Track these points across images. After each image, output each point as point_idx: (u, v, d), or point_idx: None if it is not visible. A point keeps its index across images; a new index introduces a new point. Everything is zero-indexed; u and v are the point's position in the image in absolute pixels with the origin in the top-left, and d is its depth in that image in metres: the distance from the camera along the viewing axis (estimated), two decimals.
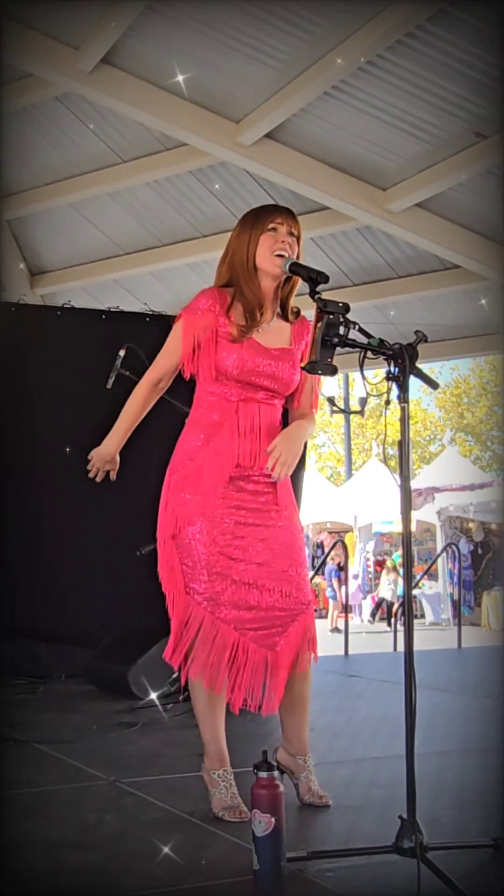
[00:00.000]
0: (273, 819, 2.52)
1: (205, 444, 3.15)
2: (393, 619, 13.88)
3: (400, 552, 18.52)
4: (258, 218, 3.21)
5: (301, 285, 3.22)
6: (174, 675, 5.48)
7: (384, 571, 18.22)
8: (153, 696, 5.40)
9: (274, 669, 3.11)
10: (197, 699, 3.19)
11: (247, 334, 3.14)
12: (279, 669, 3.11)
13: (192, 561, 3.11)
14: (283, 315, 3.28)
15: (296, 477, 7.18)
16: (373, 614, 17.67)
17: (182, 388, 3.39)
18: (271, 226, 3.18)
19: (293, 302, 3.34)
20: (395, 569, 18.07)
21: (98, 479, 3.37)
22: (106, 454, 3.33)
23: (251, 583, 3.11)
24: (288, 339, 3.25)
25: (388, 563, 18.29)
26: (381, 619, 17.73)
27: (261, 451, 3.15)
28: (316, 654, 3.22)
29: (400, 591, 17.63)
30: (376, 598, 18.00)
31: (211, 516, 3.11)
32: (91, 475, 3.36)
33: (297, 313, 3.32)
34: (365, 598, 19.38)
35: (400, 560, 18.06)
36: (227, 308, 3.16)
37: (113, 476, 3.40)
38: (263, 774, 2.58)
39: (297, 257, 3.20)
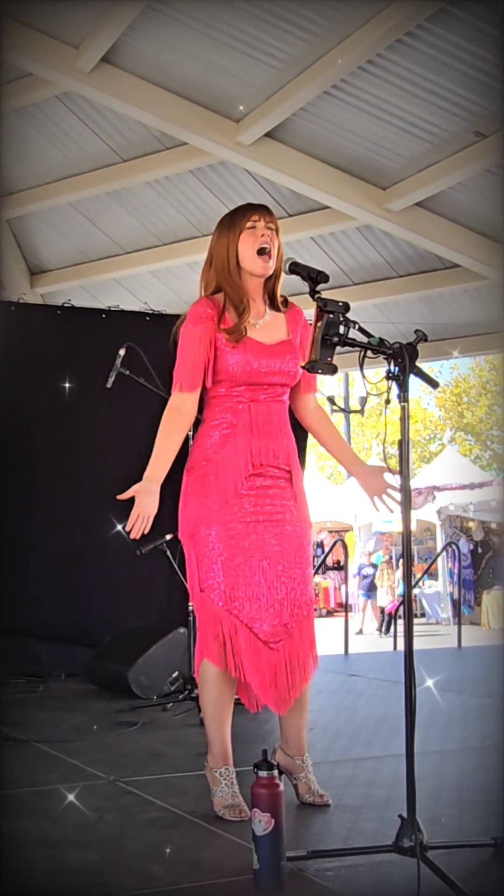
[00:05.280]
0: (273, 818, 2.52)
1: (220, 446, 3.15)
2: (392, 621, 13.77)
3: (382, 553, 18.54)
4: (234, 219, 3.25)
5: (299, 283, 3.22)
6: (174, 675, 5.48)
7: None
8: (153, 695, 5.41)
9: (282, 670, 3.12)
10: (206, 696, 3.18)
11: (243, 332, 3.15)
12: (290, 671, 3.13)
13: (208, 559, 3.12)
14: (274, 306, 3.29)
15: None
16: (386, 627, 16.91)
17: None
18: (249, 224, 3.21)
19: (296, 300, 3.35)
20: (372, 565, 17.93)
21: (136, 535, 3.04)
22: (151, 512, 3.06)
23: (264, 579, 3.12)
24: (284, 329, 3.25)
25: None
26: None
27: (276, 449, 3.17)
28: (316, 657, 3.22)
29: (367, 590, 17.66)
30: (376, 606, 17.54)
31: (228, 516, 3.11)
32: (129, 529, 3.03)
33: (286, 301, 3.32)
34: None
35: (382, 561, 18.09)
36: (221, 312, 3.17)
37: (147, 528, 3.09)
38: (263, 773, 2.58)
39: (279, 249, 3.22)
